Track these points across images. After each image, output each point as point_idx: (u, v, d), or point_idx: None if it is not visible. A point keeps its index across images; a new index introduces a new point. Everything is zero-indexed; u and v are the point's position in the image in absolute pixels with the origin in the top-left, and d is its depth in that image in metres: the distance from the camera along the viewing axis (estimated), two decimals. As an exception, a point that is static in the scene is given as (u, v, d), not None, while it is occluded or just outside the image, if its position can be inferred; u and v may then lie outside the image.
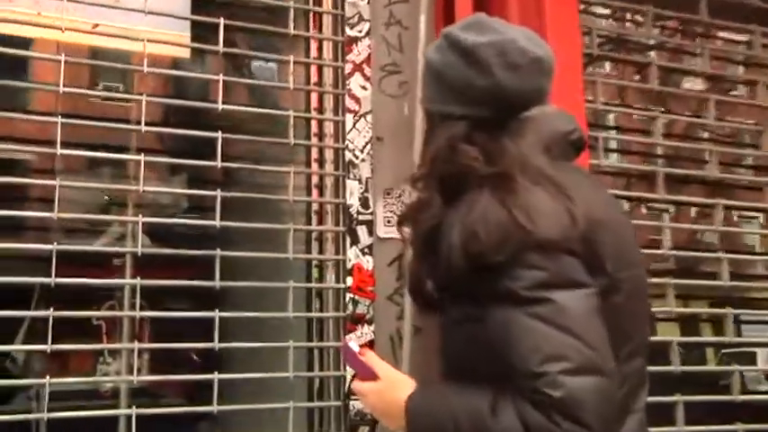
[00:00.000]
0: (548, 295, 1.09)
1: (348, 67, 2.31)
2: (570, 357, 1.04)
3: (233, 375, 2.18)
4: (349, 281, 2.23)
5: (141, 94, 2.08)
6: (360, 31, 2.34)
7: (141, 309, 2.40)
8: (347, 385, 2.20)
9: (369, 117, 2.32)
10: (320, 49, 2.42)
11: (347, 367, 2.18)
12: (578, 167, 1.43)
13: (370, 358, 1.33)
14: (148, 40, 2.11)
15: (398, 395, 1.24)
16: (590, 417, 1.01)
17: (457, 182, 1.22)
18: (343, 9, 2.34)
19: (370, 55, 2.34)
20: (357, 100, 2.31)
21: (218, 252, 2.12)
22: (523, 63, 1.24)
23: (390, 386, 1.28)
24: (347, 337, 1.23)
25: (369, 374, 1.31)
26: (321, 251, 2.36)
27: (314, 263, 2.36)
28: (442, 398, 1.20)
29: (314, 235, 2.36)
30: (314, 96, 2.45)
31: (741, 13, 3.08)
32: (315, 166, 2.40)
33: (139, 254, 2.07)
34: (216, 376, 2.07)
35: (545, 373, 1.03)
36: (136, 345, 2.06)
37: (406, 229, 1.35)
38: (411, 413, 1.21)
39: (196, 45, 2.22)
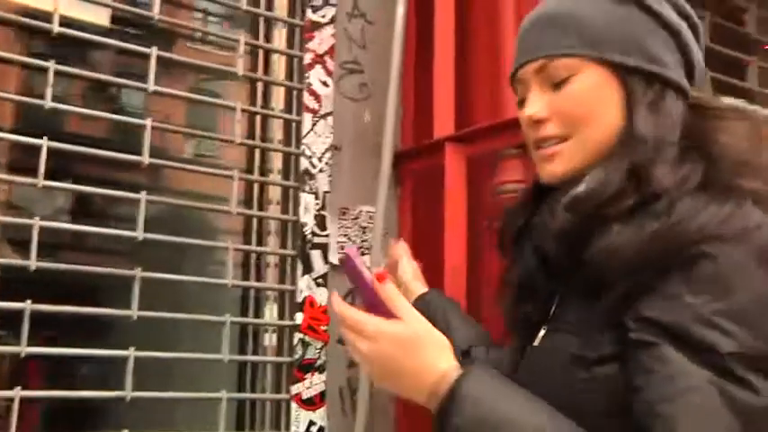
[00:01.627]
0: None
1: (308, 58, 1.90)
2: None
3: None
4: (298, 317, 1.80)
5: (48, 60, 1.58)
6: (323, 17, 1.95)
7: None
8: (292, 448, 1.75)
9: (330, 119, 1.92)
10: (268, 35, 1.99)
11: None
12: None
13: (390, 292, 0.92)
14: (60, -8, 1.61)
15: (433, 360, 0.90)
16: None
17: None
18: (304, -13, 1.95)
19: (334, 46, 1.96)
20: (317, 97, 1.90)
21: (139, 272, 1.63)
22: None
23: (421, 341, 0.92)
24: (350, 248, 0.86)
25: (381, 311, 0.91)
26: (258, 280, 1.91)
27: (252, 294, 1.89)
28: (515, 398, 0.86)
29: (252, 260, 1.90)
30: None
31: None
32: (257, 175, 1.95)
33: (33, 268, 1.53)
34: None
35: None
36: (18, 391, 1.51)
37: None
38: (462, 400, 0.85)
39: (122, 6, 1.73)
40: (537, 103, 1.05)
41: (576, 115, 1.01)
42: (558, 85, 1.03)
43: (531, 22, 1.09)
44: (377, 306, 0.91)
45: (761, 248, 0.83)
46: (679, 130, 0.97)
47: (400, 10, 1.94)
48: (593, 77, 1.01)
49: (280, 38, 1.98)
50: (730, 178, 0.90)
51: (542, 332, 1.06)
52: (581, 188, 0.95)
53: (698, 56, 1.05)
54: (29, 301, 1.53)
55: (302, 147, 1.86)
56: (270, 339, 1.86)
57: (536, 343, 1.06)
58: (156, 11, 1.71)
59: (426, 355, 0.91)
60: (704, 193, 0.89)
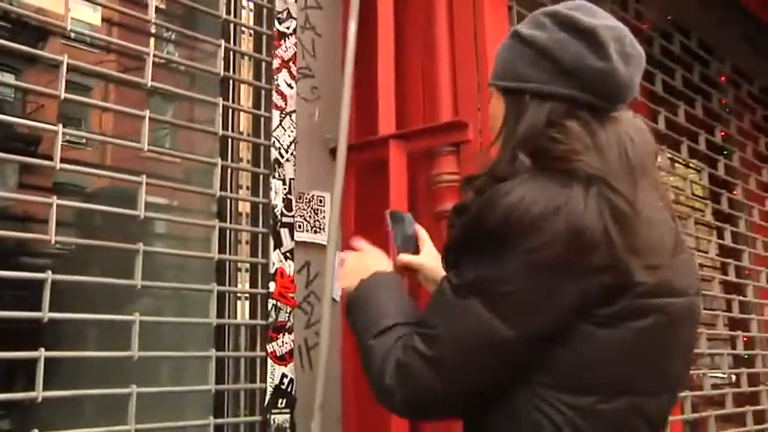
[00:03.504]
0: None
1: (276, 63, 2.19)
2: None
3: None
4: (271, 286, 2.09)
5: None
6: (288, 28, 2.24)
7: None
8: (267, 398, 2.04)
9: (294, 116, 2.22)
10: (235, 40, 2.25)
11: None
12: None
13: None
14: (73, -4, 1.81)
15: (374, 266, 1.43)
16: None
17: (546, 160, 1.18)
18: (272, 2, 2.23)
19: (296, 54, 2.26)
20: (284, 97, 2.20)
21: (141, 247, 1.86)
22: (634, 54, 1.23)
23: (375, 257, 1.51)
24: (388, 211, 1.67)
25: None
26: (231, 254, 2.17)
27: (231, 266, 2.16)
28: (388, 292, 1.37)
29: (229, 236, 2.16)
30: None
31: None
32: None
33: (53, 241, 1.73)
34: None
35: None
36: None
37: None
38: (362, 283, 1.38)
39: (122, 8, 1.94)
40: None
41: (491, 126, 1.38)
42: None
43: None
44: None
45: (529, 219, 1.09)
46: (533, 131, 1.21)
47: (352, 26, 2.28)
48: (494, 99, 1.36)
49: (247, 45, 2.25)
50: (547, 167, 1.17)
51: None
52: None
53: (581, 60, 1.20)
54: (49, 272, 1.72)
55: (272, 139, 2.15)
56: (243, 306, 2.14)
57: None
58: (151, 14, 1.94)
59: (371, 262, 1.46)
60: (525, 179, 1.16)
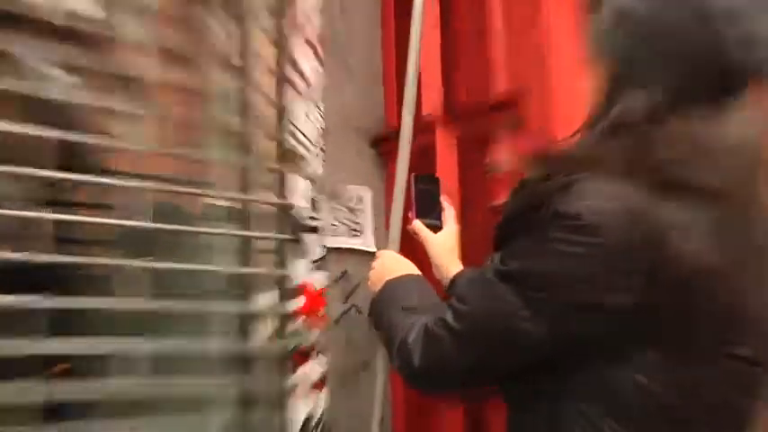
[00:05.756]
0: None
1: (299, 47, 1.90)
2: None
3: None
4: (296, 303, 1.81)
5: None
6: (312, 9, 1.94)
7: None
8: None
9: (321, 105, 1.93)
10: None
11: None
12: None
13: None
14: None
15: (406, 267, 1.48)
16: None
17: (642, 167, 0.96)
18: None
19: (320, 37, 1.96)
20: (308, 83, 1.91)
21: (153, 263, 1.63)
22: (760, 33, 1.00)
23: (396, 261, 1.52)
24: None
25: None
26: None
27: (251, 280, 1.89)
28: (414, 289, 1.37)
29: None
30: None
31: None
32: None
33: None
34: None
35: None
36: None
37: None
38: (388, 283, 1.40)
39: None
40: None
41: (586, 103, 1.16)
42: None
43: None
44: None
45: (573, 222, 0.95)
46: (624, 118, 1.03)
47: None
48: (589, 73, 1.13)
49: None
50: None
51: None
52: None
53: (687, 38, 1.03)
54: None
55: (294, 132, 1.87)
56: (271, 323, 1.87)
57: None
58: None
59: (397, 267, 1.47)
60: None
